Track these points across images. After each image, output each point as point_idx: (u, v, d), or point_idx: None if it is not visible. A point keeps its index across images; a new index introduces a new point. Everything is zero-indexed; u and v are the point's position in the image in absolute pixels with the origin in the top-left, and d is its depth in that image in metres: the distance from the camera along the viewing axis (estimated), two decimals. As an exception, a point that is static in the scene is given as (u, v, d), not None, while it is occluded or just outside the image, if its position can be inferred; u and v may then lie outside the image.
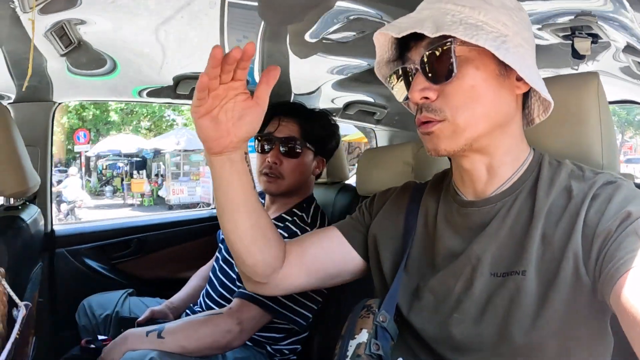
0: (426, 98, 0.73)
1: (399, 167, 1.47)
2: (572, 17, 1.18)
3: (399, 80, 0.80)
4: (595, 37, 1.26)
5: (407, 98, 0.78)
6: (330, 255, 0.96)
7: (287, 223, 1.40)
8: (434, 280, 0.80)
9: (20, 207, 1.44)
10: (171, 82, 1.77)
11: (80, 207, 11.61)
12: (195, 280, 1.76)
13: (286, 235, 1.33)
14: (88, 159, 16.40)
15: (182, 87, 1.79)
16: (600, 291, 0.61)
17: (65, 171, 12.84)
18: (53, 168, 1.91)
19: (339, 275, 0.97)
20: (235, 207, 0.83)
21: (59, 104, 1.84)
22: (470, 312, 0.74)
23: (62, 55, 1.37)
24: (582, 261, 0.64)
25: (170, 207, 12.16)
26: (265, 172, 1.45)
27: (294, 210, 1.47)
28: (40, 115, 1.80)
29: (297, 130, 1.48)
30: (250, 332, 1.26)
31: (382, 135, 2.67)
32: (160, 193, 14.05)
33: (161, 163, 15.28)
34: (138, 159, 16.16)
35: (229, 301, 1.37)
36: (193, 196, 12.55)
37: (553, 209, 0.70)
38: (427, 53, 0.71)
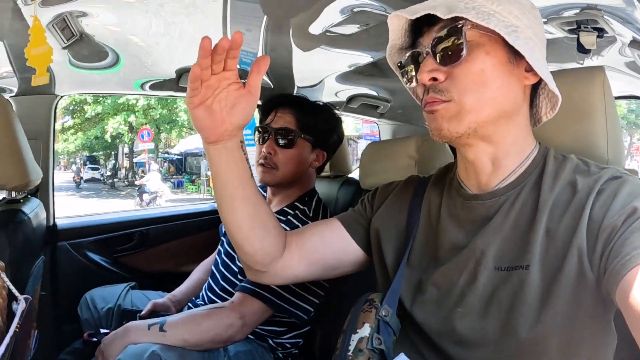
0: (434, 80, 0.73)
1: (402, 161, 1.46)
2: (578, 11, 1.17)
3: (409, 65, 0.81)
4: (601, 32, 1.25)
5: (416, 81, 0.79)
6: (330, 246, 0.96)
7: (289, 217, 1.40)
8: (438, 273, 0.80)
9: (21, 201, 1.44)
10: (174, 75, 1.76)
11: (160, 196, 13.85)
12: (198, 273, 1.76)
13: (288, 229, 1.33)
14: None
15: (184, 79, 1.78)
16: (605, 287, 0.61)
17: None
18: (55, 162, 1.91)
19: (339, 266, 0.98)
20: (233, 195, 0.85)
21: (61, 96, 1.84)
22: (474, 306, 0.74)
23: (63, 48, 1.36)
24: (587, 256, 0.64)
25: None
26: (261, 163, 1.46)
27: (296, 203, 1.47)
28: (42, 108, 1.79)
29: (293, 122, 1.48)
30: (252, 327, 1.26)
31: (385, 129, 2.66)
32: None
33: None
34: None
35: (231, 294, 1.37)
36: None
37: (557, 203, 0.70)
38: (438, 35, 0.72)
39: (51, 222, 1.86)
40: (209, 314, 1.23)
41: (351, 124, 15.65)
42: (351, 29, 1.33)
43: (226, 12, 1.24)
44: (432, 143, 1.43)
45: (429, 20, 0.74)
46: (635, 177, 0.69)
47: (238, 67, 0.77)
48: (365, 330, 0.80)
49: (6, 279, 0.82)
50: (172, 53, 1.57)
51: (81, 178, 21.77)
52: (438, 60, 0.73)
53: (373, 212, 0.98)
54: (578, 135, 0.88)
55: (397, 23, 0.79)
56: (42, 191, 1.79)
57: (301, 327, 1.42)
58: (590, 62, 1.49)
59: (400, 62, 0.83)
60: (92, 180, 22.23)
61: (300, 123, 1.49)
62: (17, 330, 0.77)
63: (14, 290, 0.81)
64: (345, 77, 1.90)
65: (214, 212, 2.28)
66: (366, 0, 1.18)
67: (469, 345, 0.74)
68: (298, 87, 2.00)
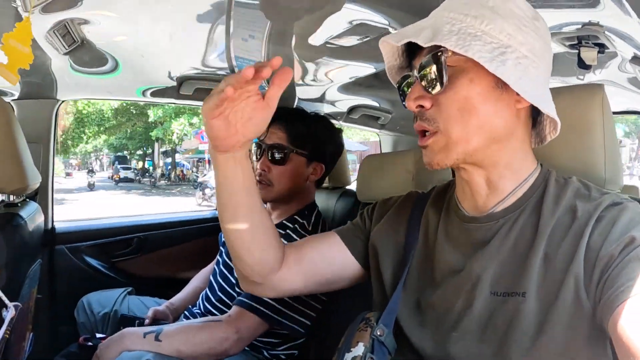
0: (421, 107, 0.73)
1: (399, 175, 1.45)
2: (579, 26, 1.17)
3: (405, 87, 0.80)
4: (602, 47, 1.25)
5: None
6: (328, 260, 0.95)
7: (288, 230, 1.39)
8: (435, 296, 0.79)
9: (19, 204, 1.44)
10: (174, 83, 1.76)
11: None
12: (196, 282, 1.76)
13: (286, 243, 1.33)
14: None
15: (185, 87, 1.78)
16: (599, 316, 0.60)
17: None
18: (55, 164, 1.91)
19: (337, 281, 0.97)
20: (237, 204, 0.83)
21: (62, 101, 1.85)
22: (470, 331, 0.72)
23: (65, 54, 1.37)
24: (583, 284, 0.63)
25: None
26: (258, 180, 1.45)
27: (296, 217, 1.46)
28: (43, 112, 1.81)
29: (285, 137, 1.46)
30: (248, 341, 1.26)
31: (386, 140, 2.65)
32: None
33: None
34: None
35: (227, 306, 1.36)
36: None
37: (557, 228, 0.69)
38: (423, 62, 0.72)
39: (49, 226, 1.86)
40: (205, 327, 1.23)
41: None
42: (351, 40, 1.34)
43: (229, 20, 1.24)
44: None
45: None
46: (637, 203, 0.67)
47: None
48: (359, 350, 0.78)
49: None
50: (172, 61, 1.58)
51: (120, 177, 23.03)
52: (425, 87, 0.72)
53: (372, 227, 0.97)
54: (576, 153, 0.87)
55: (389, 46, 0.79)
56: (42, 195, 1.80)
57: (296, 338, 1.41)
58: (591, 77, 1.48)
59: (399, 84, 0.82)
60: (125, 179, 23.36)
61: (292, 138, 1.46)
62: (6, 336, 0.77)
63: (4, 298, 0.81)
64: (347, 88, 1.90)
65: (212, 220, 2.28)
66: (370, 13, 1.18)
67: None
68: (299, 98, 2.00)
